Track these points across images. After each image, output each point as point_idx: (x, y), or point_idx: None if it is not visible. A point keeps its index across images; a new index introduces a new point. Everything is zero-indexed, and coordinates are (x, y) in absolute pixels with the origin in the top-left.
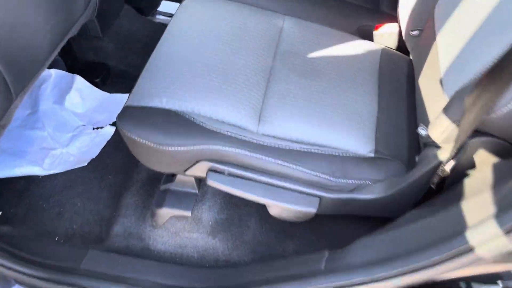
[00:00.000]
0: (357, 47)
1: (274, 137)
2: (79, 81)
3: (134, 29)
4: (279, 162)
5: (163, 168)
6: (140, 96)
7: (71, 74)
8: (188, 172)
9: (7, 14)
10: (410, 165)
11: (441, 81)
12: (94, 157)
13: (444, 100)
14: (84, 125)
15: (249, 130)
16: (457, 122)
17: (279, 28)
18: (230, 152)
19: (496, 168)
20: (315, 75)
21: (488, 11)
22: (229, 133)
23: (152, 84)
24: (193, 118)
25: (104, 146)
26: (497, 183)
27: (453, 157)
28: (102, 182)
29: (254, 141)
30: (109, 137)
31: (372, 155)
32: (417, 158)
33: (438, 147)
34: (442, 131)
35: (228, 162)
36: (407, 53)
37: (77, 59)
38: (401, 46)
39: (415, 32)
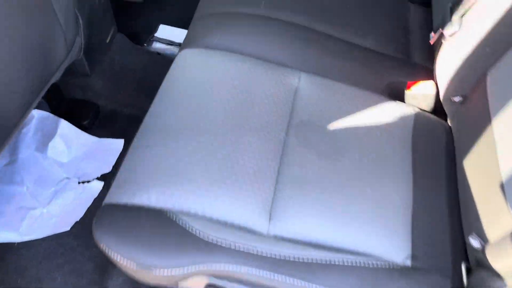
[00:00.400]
0: (386, 112)
1: (288, 240)
2: (64, 126)
3: (127, 62)
4: (296, 282)
5: (150, 282)
6: (123, 189)
7: (55, 117)
8: (180, 284)
9: None
10: (455, 280)
11: (502, 186)
12: (78, 219)
13: (508, 216)
14: (68, 178)
15: (258, 232)
16: None
17: (294, 89)
18: (235, 269)
19: None
20: (337, 154)
21: None
22: (234, 246)
23: (139, 171)
24: (189, 226)
25: (91, 204)
26: None
27: None
28: (87, 251)
29: (265, 253)
30: (96, 194)
31: (409, 263)
32: (465, 280)
33: (499, 275)
34: (508, 264)
35: (231, 279)
36: (444, 115)
37: (63, 98)
38: (438, 107)
39: (458, 98)
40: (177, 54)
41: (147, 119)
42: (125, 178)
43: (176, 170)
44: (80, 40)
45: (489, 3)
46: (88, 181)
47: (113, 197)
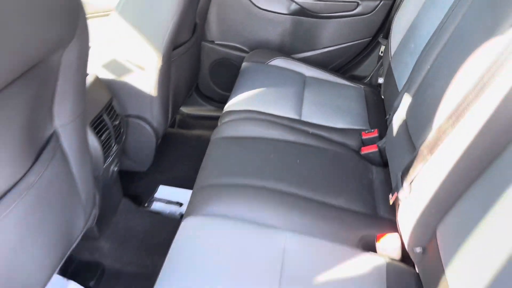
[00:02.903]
0: (361, 264)
1: None
2: None
3: (131, 224)
4: None
5: None
6: None
7: (65, 280)
8: None
9: (10, 259)
10: None
11: None
12: None
13: None
14: None
15: None
16: None
17: (282, 249)
18: None
19: None
20: None
21: (497, 246)
22: None
23: None
24: None
25: None
26: None
27: None
28: None
29: None
30: None
31: None
32: None
33: None
34: None
35: None
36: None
37: (71, 260)
38: (406, 255)
39: (419, 250)
40: (182, 221)
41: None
42: None
43: None
44: (95, 212)
45: (432, 168)
46: None
47: None
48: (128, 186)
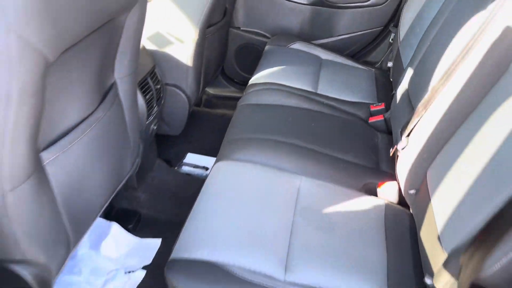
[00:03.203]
0: (363, 203)
1: (298, 285)
2: (115, 228)
3: (164, 180)
4: None
5: None
6: (184, 248)
7: (108, 222)
8: None
9: (79, 178)
10: None
11: (439, 238)
12: None
13: (443, 255)
14: (117, 270)
15: (277, 279)
16: (456, 276)
17: (297, 188)
18: None
19: None
20: (330, 229)
21: (473, 178)
22: (260, 283)
23: (195, 238)
24: (229, 269)
25: None
26: None
27: None
28: None
29: None
30: (139, 281)
31: None
32: None
33: None
34: (444, 284)
35: None
36: (407, 205)
37: (113, 207)
38: (402, 200)
39: (412, 191)
40: (213, 166)
41: (195, 208)
42: (185, 241)
43: (219, 236)
44: (138, 160)
45: (425, 120)
46: (133, 271)
47: (177, 254)
48: (161, 151)
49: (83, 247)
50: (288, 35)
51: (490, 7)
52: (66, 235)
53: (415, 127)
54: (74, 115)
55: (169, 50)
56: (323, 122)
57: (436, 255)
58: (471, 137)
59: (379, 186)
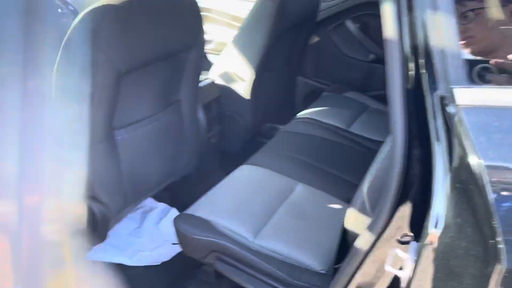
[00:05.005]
0: (341, 208)
1: (262, 247)
2: (173, 212)
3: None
4: (264, 263)
5: (194, 254)
6: (193, 209)
7: (169, 207)
8: (205, 260)
9: (138, 157)
10: None
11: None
12: (166, 259)
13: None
14: (166, 240)
15: (247, 239)
16: None
17: (293, 189)
18: (232, 248)
19: None
20: (303, 218)
21: None
22: (234, 238)
23: (203, 204)
24: (215, 226)
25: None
26: None
27: None
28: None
29: (250, 246)
30: (179, 251)
31: (323, 271)
32: None
33: None
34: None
35: (231, 256)
36: None
37: (178, 197)
38: None
39: None
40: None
41: (219, 185)
42: (199, 204)
43: (220, 206)
44: (195, 162)
45: None
46: (177, 243)
47: (187, 211)
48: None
49: (148, 221)
50: (346, 85)
51: None
52: (124, 190)
53: None
54: (140, 112)
55: (233, 85)
56: (343, 151)
57: None
58: None
59: None
